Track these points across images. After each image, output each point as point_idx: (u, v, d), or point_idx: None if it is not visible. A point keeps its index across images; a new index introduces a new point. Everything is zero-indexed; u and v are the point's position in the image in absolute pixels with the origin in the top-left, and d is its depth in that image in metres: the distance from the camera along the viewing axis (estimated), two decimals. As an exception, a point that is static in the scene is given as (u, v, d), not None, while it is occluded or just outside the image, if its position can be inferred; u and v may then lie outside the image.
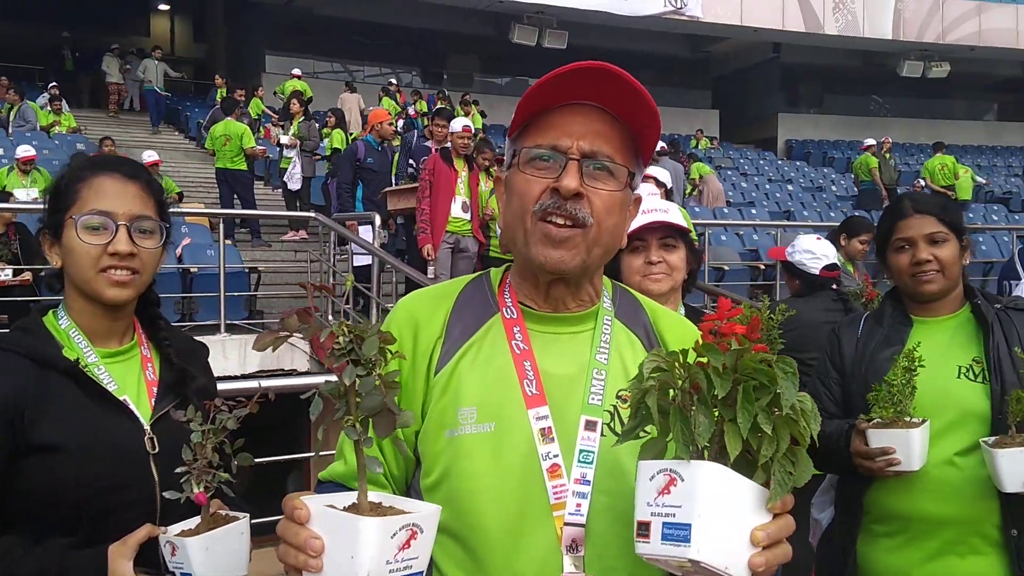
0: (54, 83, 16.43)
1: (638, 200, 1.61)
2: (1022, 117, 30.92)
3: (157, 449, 1.81)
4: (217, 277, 8.14)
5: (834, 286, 4.56)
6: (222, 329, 8.10)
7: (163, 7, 27.62)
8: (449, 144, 8.14)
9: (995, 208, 18.58)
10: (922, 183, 18.06)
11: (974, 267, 13.40)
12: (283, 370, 7.74)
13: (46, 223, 1.90)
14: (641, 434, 1.27)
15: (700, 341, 1.21)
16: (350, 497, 1.19)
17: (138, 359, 1.93)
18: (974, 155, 24.02)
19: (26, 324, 1.87)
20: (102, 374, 1.83)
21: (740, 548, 1.14)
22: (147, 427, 1.83)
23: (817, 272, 4.49)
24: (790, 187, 20.72)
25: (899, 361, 2.31)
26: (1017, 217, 17.83)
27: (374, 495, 1.18)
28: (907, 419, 2.29)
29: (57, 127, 15.61)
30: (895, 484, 2.36)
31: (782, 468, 1.15)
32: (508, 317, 1.54)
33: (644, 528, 1.16)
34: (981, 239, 14.27)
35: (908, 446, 2.25)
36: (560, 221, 1.44)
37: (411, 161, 8.71)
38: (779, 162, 24.04)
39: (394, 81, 21.59)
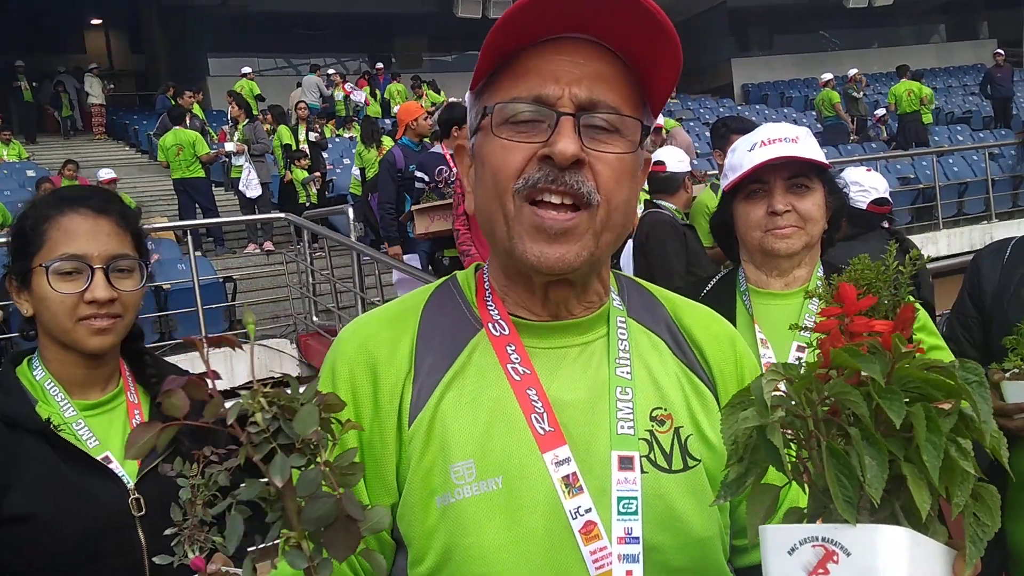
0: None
1: (648, 162, 1.22)
2: (970, 35, 31.13)
3: (143, 511, 1.65)
4: (191, 291, 7.88)
5: (885, 224, 4.18)
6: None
7: (96, 21, 26.85)
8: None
9: (958, 128, 18.64)
10: (882, 112, 18.04)
11: (949, 190, 13.42)
12: (273, 378, 7.48)
13: (10, 268, 1.72)
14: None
15: (831, 345, 0.86)
16: None
17: (123, 408, 1.77)
18: (928, 78, 23.96)
19: None
20: (81, 430, 1.67)
21: None
22: (131, 487, 1.66)
23: (864, 206, 4.11)
24: (754, 131, 20.62)
25: None
26: (982, 135, 17.88)
27: None
28: None
29: (4, 157, 15.08)
30: None
31: (975, 519, 0.86)
32: (497, 334, 1.17)
33: None
34: (952, 160, 14.31)
35: None
36: (556, 200, 1.08)
37: (421, 175, 7.05)
38: (739, 107, 23.95)
39: (331, 72, 20.56)
